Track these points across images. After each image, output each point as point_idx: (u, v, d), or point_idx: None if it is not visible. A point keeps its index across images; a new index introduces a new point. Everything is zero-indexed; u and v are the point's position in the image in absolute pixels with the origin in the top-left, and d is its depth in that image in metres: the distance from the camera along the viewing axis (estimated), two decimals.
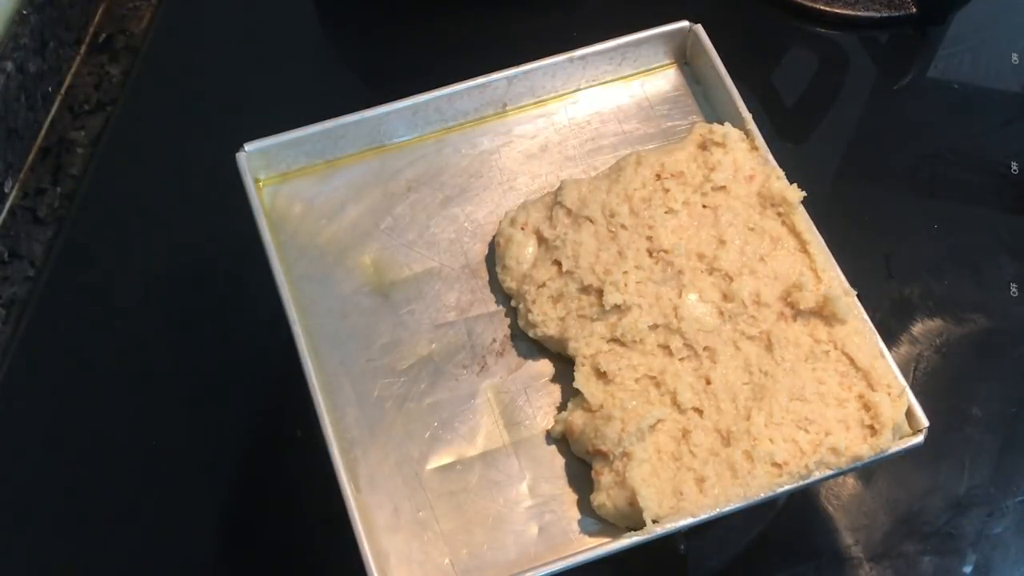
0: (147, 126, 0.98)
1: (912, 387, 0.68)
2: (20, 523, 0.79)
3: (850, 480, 0.80)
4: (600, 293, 0.71)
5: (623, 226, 0.73)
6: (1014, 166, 0.93)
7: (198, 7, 1.05)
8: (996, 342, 0.86)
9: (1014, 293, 0.87)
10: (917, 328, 0.86)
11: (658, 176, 0.75)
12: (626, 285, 0.71)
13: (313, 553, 0.76)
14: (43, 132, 0.96)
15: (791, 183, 0.74)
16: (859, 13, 1.01)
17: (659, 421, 0.67)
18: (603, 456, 0.67)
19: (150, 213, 0.93)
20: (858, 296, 0.72)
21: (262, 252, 0.72)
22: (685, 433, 0.67)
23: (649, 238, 0.73)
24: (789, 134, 0.95)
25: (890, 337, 0.85)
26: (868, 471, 0.80)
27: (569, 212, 0.74)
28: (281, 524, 0.78)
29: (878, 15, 1.01)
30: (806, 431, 0.67)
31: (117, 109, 0.98)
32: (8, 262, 0.90)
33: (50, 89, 0.97)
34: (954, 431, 0.81)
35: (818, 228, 0.73)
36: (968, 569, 0.77)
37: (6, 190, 0.92)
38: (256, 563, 0.78)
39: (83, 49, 1.01)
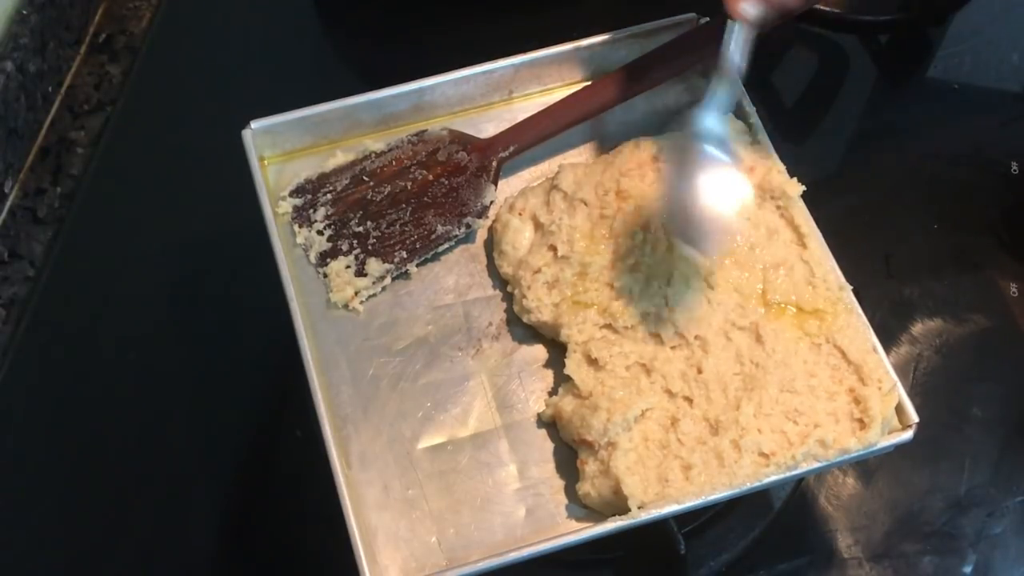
0: (147, 126, 0.98)
1: (912, 387, 0.68)
2: (20, 522, 0.79)
3: (850, 480, 0.80)
4: (595, 277, 0.71)
5: (615, 206, 0.73)
6: (1014, 166, 0.93)
7: (198, 7, 1.05)
8: (996, 342, 0.86)
9: (1014, 293, 0.87)
10: (917, 328, 0.86)
11: (655, 159, 0.75)
12: (617, 266, 0.71)
13: (313, 553, 0.76)
14: (43, 132, 0.96)
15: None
16: (859, 14, 1.01)
17: (646, 410, 0.67)
18: (588, 446, 0.67)
19: (150, 213, 0.93)
20: (858, 296, 0.72)
21: (263, 246, 0.72)
22: (674, 421, 0.67)
23: (642, 219, 0.73)
24: (789, 134, 0.95)
25: (890, 337, 0.85)
26: (868, 470, 0.80)
27: (565, 196, 0.74)
28: (281, 524, 0.78)
29: (878, 16, 1.01)
30: (795, 423, 0.67)
31: (117, 109, 0.98)
32: (8, 262, 0.90)
33: (50, 89, 0.97)
34: (954, 431, 0.81)
35: (818, 228, 0.73)
36: (968, 569, 0.77)
37: (6, 190, 0.92)
38: (256, 563, 0.79)
39: (83, 49, 1.01)
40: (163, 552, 0.78)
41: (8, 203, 0.92)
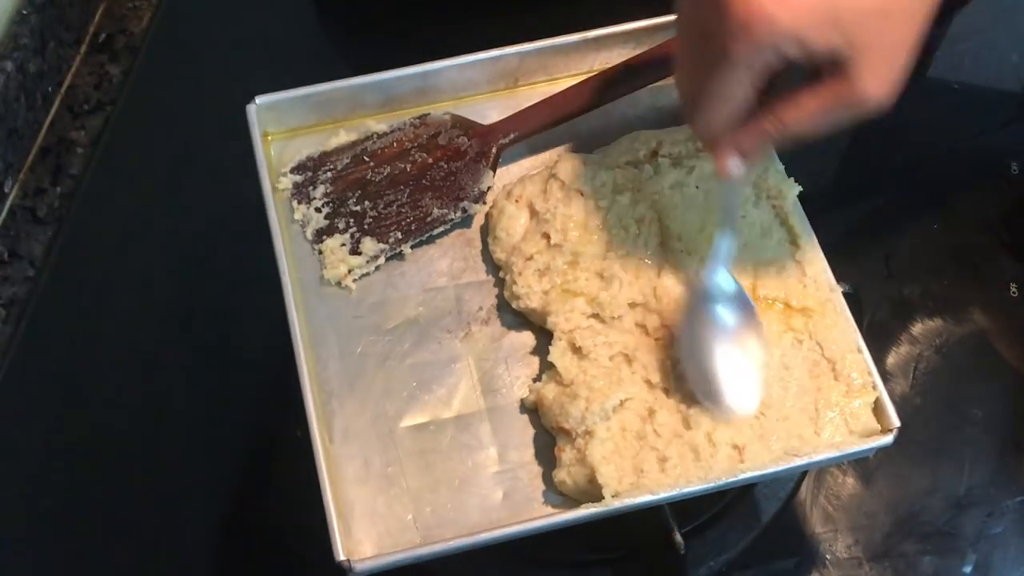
0: (147, 126, 0.98)
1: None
2: (20, 523, 0.79)
3: (850, 480, 0.80)
4: (585, 267, 0.71)
5: (611, 197, 0.73)
6: (1014, 166, 0.93)
7: (198, 7, 1.05)
8: (996, 342, 0.86)
9: (1014, 293, 0.87)
10: (917, 328, 0.86)
11: (654, 153, 0.76)
12: (609, 256, 0.71)
13: (313, 553, 0.76)
14: (43, 132, 0.96)
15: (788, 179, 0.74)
16: None
17: (625, 400, 0.67)
18: (566, 434, 0.67)
19: (150, 213, 0.93)
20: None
21: (264, 243, 0.72)
22: (651, 412, 0.67)
23: (637, 212, 0.73)
24: None
25: (890, 337, 0.85)
26: (868, 470, 0.80)
27: (563, 185, 0.75)
28: (281, 524, 0.78)
29: None
30: (765, 415, 0.67)
31: (117, 109, 0.98)
32: (8, 262, 0.90)
33: (50, 89, 0.97)
34: (954, 431, 0.82)
35: (818, 228, 0.73)
36: (968, 569, 0.77)
37: (6, 190, 0.93)
38: (255, 562, 0.79)
39: (83, 49, 1.01)
40: (162, 550, 0.78)
41: (8, 203, 0.93)
